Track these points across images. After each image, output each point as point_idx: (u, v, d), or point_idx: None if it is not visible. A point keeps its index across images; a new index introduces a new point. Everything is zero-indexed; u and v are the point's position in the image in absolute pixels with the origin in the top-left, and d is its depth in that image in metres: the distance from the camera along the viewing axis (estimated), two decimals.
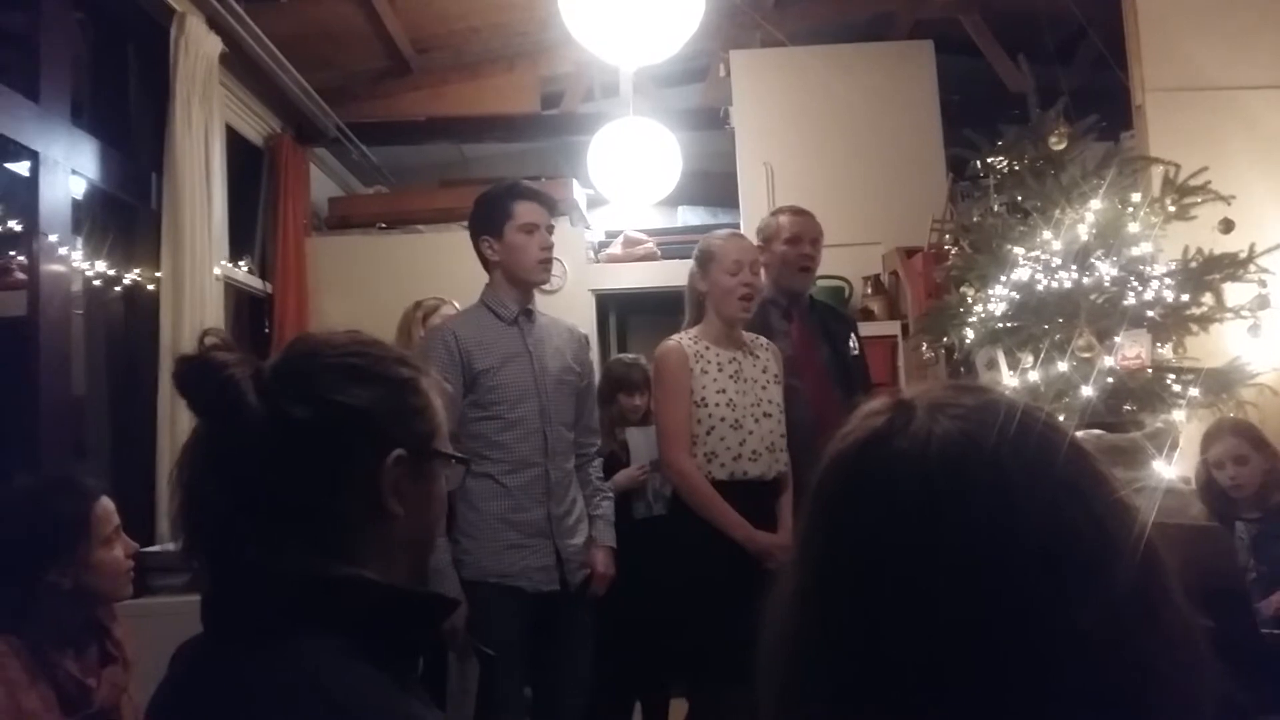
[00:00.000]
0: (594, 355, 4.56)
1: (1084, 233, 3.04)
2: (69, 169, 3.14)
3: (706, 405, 2.76)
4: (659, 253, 5.18)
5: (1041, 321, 3.05)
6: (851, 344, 3.21)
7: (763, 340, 2.94)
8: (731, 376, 2.80)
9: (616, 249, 5.22)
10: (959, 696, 0.57)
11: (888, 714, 0.59)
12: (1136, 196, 3.14)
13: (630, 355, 3.81)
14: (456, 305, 3.24)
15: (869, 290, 4.68)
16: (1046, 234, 3.08)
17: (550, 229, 2.76)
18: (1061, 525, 0.59)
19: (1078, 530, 0.59)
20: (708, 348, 2.83)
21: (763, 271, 3.22)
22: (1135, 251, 3.05)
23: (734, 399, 2.77)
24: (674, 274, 4.84)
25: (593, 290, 5.04)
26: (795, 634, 0.63)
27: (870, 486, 0.63)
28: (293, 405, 0.93)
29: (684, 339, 2.85)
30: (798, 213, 3.23)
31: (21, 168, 3.15)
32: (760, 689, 0.66)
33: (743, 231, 4.57)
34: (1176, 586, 0.62)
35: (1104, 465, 0.64)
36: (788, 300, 3.17)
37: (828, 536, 0.65)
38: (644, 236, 5.27)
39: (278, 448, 0.92)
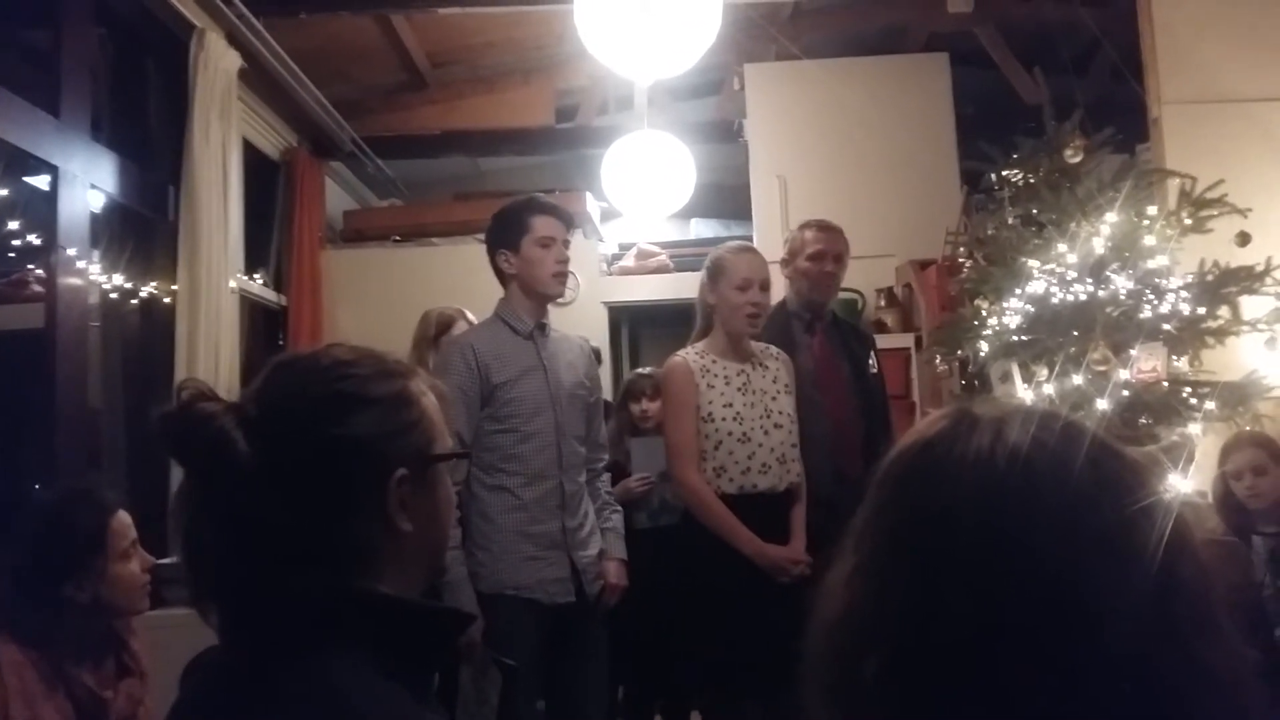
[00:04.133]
0: (606, 368, 4.57)
1: (1099, 245, 3.03)
2: (88, 183, 3.17)
3: (713, 420, 2.76)
4: (672, 265, 5.20)
5: (1057, 335, 3.04)
6: (871, 362, 3.20)
7: (773, 350, 2.93)
8: (739, 389, 2.80)
9: (629, 261, 5.23)
10: (1005, 671, 0.61)
11: (939, 684, 0.62)
12: (1152, 209, 3.13)
13: (647, 369, 3.82)
14: (472, 318, 3.25)
15: (882, 303, 4.68)
16: (1062, 247, 3.08)
17: (567, 243, 2.77)
18: (1119, 526, 0.63)
19: (1137, 531, 0.63)
20: (714, 361, 2.82)
21: (786, 284, 3.22)
22: (1151, 264, 3.04)
23: (741, 412, 2.77)
24: (687, 286, 4.82)
25: (605, 303, 5.05)
26: (852, 606, 0.68)
27: (938, 481, 0.67)
28: (286, 448, 0.91)
29: (690, 354, 2.84)
30: (824, 228, 3.17)
31: (41, 182, 3.19)
32: (810, 661, 0.69)
33: (756, 243, 4.59)
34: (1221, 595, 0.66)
35: (1155, 478, 0.69)
36: (810, 314, 3.15)
37: (892, 522, 0.69)
38: (657, 249, 5.28)
39: (276, 491, 0.90)
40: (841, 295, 4.33)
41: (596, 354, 3.13)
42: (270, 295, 4.63)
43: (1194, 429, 2.88)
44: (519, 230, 2.72)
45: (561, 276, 2.76)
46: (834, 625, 0.68)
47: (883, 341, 4.01)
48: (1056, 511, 0.63)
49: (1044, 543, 0.62)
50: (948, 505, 0.65)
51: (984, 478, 0.65)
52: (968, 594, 0.62)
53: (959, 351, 3.56)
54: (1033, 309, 3.10)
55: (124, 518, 1.89)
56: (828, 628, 0.68)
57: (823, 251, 3.11)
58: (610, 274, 5.20)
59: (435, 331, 3.27)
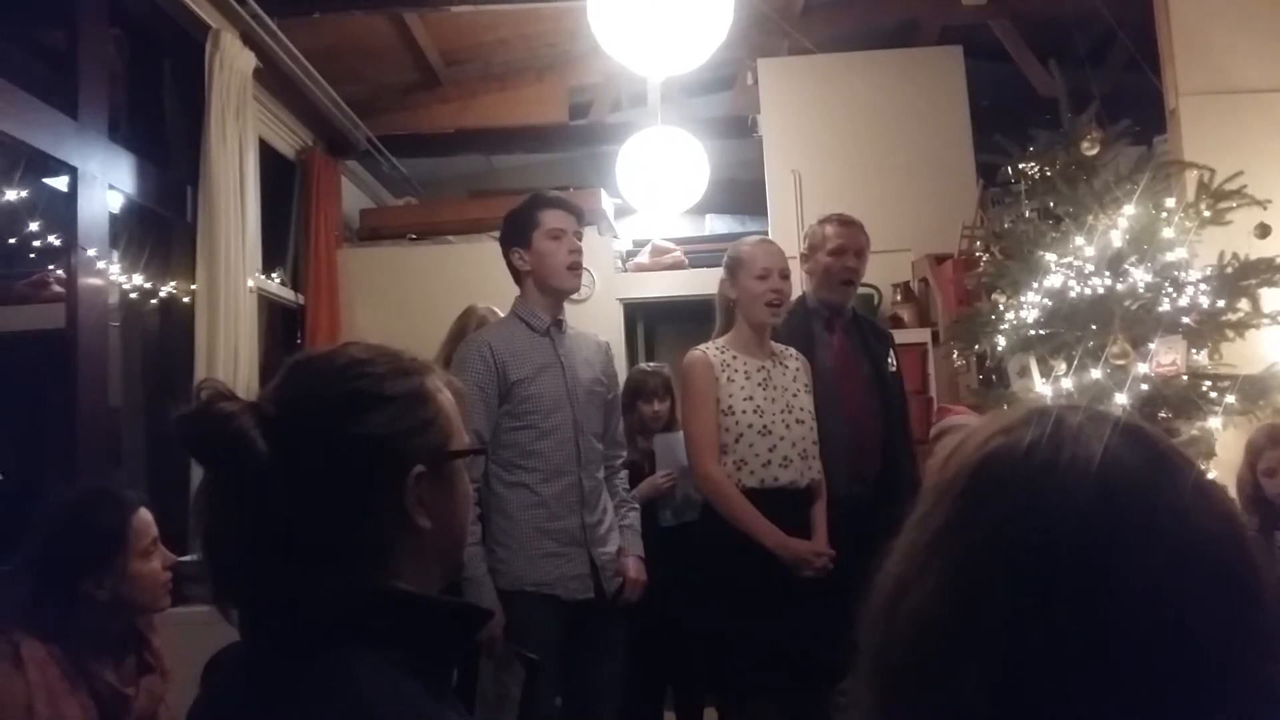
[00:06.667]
0: (621, 364, 4.57)
1: (1117, 238, 3.01)
2: (106, 184, 3.19)
3: (734, 413, 2.76)
4: (687, 261, 5.18)
5: (1074, 328, 3.02)
6: (890, 360, 3.18)
7: (792, 351, 2.93)
8: (760, 384, 2.80)
9: (644, 258, 5.22)
10: (1112, 684, 0.59)
11: (1048, 695, 0.60)
12: (1170, 201, 3.10)
13: (650, 364, 3.80)
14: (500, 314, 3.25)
15: (899, 297, 4.66)
16: (1079, 240, 3.06)
17: (578, 235, 2.78)
18: (1220, 538, 0.63)
19: (1236, 543, 0.63)
20: (735, 356, 2.82)
21: (806, 278, 3.20)
22: (1170, 257, 3.01)
23: (762, 406, 2.76)
24: (702, 282, 4.85)
25: (621, 299, 5.05)
26: (940, 610, 0.65)
27: (1046, 489, 0.65)
28: (304, 447, 0.92)
29: (710, 348, 2.84)
30: (845, 223, 3.13)
31: (60, 183, 3.21)
32: (880, 662, 0.67)
33: (771, 238, 4.58)
34: None
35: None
36: (830, 312, 3.12)
37: (992, 529, 0.66)
38: (672, 245, 5.27)
39: (295, 490, 0.90)
40: (858, 290, 4.32)
41: (610, 352, 3.12)
42: (288, 294, 4.65)
43: (1214, 423, 2.86)
44: (529, 225, 2.73)
45: (576, 269, 2.76)
46: (920, 629, 0.65)
47: (899, 336, 4.00)
48: (1163, 525, 0.62)
49: (1145, 553, 0.61)
50: (1059, 514, 0.63)
51: (1098, 487, 0.63)
52: (1079, 605, 0.60)
53: (976, 346, 3.55)
54: (1050, 303, 3.08)
55: (145, 515, 1.91)
56: (911, 631, 0.66)
57: (844, 247, 3.08)
58: (625, 270, 5.19)
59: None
